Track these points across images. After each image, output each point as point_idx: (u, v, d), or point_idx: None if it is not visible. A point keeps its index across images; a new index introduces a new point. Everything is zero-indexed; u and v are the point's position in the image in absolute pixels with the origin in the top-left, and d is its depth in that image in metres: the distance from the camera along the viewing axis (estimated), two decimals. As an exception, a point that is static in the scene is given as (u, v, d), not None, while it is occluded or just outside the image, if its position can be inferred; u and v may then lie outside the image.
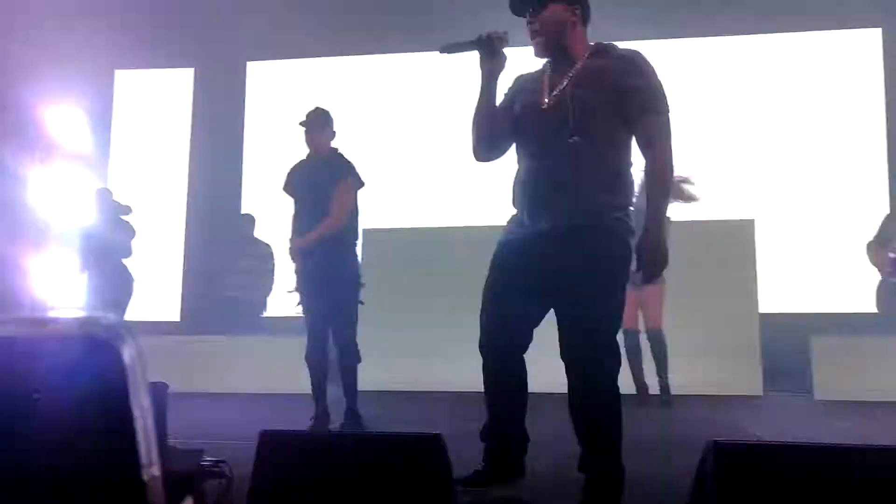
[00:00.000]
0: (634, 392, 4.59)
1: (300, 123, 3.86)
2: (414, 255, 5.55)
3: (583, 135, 2.21)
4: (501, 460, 2.41)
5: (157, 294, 6.76)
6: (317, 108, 3.92)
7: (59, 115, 6.71)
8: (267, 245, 6.22)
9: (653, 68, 2.27)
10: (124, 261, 5.39)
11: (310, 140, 3.84)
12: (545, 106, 2.28)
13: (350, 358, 3.77)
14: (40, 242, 6.33)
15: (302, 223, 3.77)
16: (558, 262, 2.23)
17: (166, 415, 2.13)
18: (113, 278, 5.29)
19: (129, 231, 5.45)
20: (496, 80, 2.37)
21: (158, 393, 2.12)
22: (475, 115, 2.40)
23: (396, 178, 6.58)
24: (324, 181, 3.74)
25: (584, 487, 2.25)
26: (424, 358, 5.25)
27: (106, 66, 7.13)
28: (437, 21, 6.03)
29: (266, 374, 5.20)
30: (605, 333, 2.23)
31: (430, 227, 6.07)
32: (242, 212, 6.76)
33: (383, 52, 6.96)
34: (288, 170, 3.94)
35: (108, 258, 5.29)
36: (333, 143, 3.90)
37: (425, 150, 6.70)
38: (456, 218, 6.08)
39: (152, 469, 1.02)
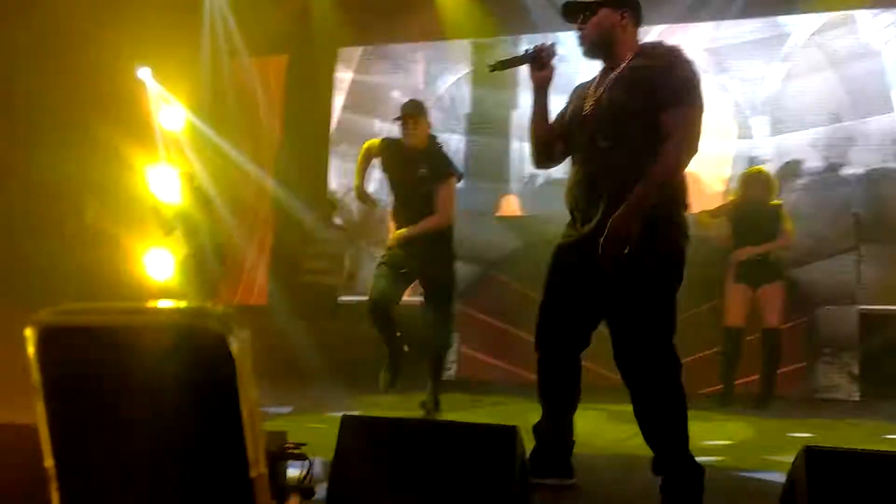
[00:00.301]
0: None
1: (395, 120, 3.94)
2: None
3: (616, 140, 2.26)
4: (551, 457, 2.47)
5: (247, 277, 7.04)
6: (412, 100, 4.00)
7: (166, 101, 7.09)
8: (344, 230, 6.39)
9: (684, 62, 2.28)
10: (219, 243, 5.64)
11: (406, 132, 3.88)
12: (585, 112, 2.36)
13: (442, 341, 3.89)
14: (148, 225, 6.70)
15: (403, 217, 3.86)
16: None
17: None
18: (217, 260, 5.53)
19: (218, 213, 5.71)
20: (546, 90, 2.48)
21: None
22: (530, 124, 2.52)
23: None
24: (425, 176, 3.83)
25: (662, 488, 2.25)
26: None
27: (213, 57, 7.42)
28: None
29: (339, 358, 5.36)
30: (654, 337, 2.22)
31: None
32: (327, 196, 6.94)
33: (471, 38, 6.92)
34: (381, 145, 3.98)
35: (207, 240, 5.54)
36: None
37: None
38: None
39: (259, 466, 0.98)
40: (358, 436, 2.09)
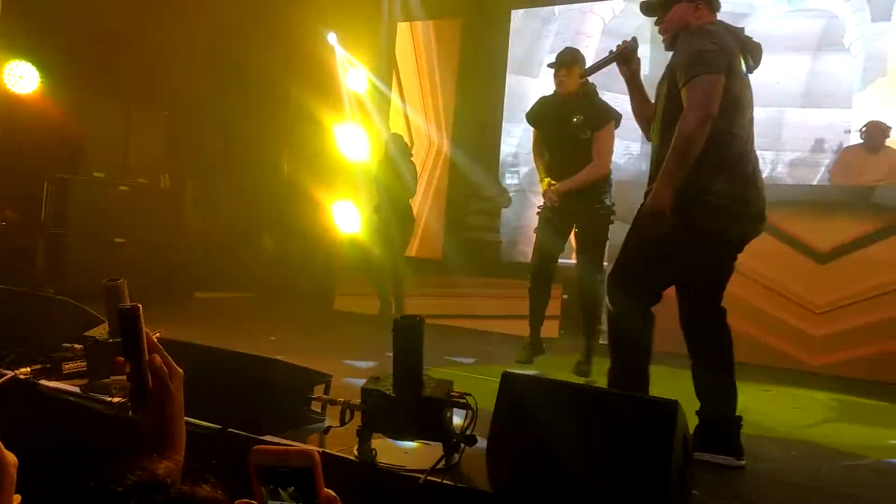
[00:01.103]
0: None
1: (549, 65, 3.93)
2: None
3: (663, 133, 2.50)
4: (718, 434, 2.48)
5: (424, 232, 7.41)
6: (566, 48, 3.97)
7: (351, 65, 7.55)
8: (504, 189, 6.47)
9: (699, 37, 2.43)
10: (405, 202, 5.97)
11: (558, 80, 3.89)
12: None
13: (595, 294, 3.87)
14: (336, 183, 7.26)
15: (559, 169, 3.89)
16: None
17: (422, 346, 2.42)
18: (400, 217, 5.90)
19: (414, 172, 6.02)
20: (636, 82, 2.77)
21: (417, 327, 2.40)
22: (632, 109, 2.81)
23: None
24: (581, 123, 3.79)
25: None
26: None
27: (390, 21, 7.76)
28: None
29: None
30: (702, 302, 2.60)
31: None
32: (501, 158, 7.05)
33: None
34: (533, 107, 4.05)
35: (397, 198, 5.90)
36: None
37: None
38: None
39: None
40: (517, 393, 2.19)
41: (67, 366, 2.98)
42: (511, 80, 7.38)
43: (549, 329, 5.74)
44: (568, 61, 3.86)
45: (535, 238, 4.12)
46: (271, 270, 7.39)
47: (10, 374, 2.84)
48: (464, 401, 2.38)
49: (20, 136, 5.57)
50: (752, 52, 2.54)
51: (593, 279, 3.89)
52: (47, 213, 5.95)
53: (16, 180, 5.94)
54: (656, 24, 2.60)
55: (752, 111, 2.51)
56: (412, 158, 6.09)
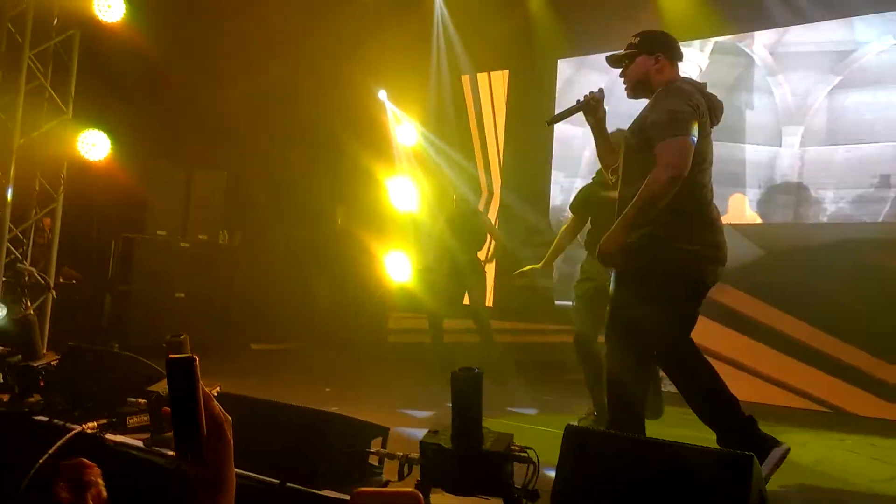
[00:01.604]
0: None
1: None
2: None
3: (626, 174, 2.65)
4: None
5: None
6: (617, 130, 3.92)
7: (400, 120, 7.74)
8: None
9: (674, 95, 2.57)
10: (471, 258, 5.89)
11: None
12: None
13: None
14: (388, 234, 7.35)
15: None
16: None
17: (481, 398, 2.38)
18: (473, 270, 5.74)
19: (486, 224, 5.95)
20: (602, 129, 2.88)
21: (475, 380, 2.37)
22: (598, 156, 2.96)
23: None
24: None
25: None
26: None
27: (438, 75, 7.95)
28: None
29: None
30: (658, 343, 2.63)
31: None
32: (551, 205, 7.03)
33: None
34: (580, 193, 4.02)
35: (467, 250, 5.74)
36: None
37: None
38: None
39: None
40: (581, 447, 2.11)
41: (132, 420, 3.04)
42: (559, 129, 7.43)
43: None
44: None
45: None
46: (325, 321, 7.47)
47: (77, 428, 2.90)
48: (525, 455, 2.32)
49: (90, 200, 5.86)
50: (715, 110, 2.71)
51: None
52: (114, 270, 6.19)
53: (86, 240, 6.22)
54: (620, 75, 2.79)
55: (712, 165, 2.69)
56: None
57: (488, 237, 6.01)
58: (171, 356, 1.06)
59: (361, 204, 7.70)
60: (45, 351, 3.90)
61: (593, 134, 2.90)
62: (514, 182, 7.42)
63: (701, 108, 2.59)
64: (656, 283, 2.53)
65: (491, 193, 7.68)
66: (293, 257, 7.55)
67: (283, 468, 2.58)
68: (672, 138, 2.48)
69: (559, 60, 7.60)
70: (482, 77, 7.93)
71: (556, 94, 7.56)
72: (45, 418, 3.18)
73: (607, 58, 2.82)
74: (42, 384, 3.41)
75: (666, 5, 6.64)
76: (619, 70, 2.82)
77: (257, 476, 2.59)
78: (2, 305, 4.65)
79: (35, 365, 3.43)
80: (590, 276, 3.85)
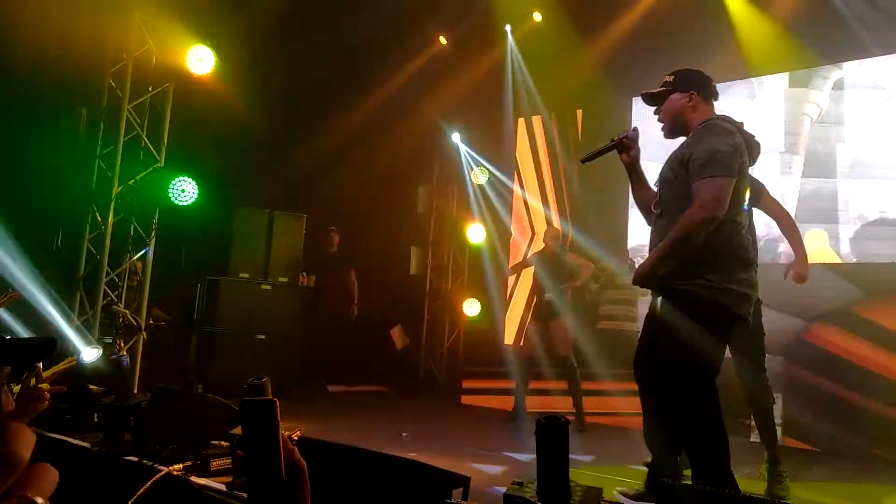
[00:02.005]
0: None
1: None
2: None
3: (663, 207, 2.67)
4: None
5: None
6: None
7: (475, 162, 7.78)
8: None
9: (716, 135, 2.57)
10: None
11: None
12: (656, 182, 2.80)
13: (765, 395, 3.54)
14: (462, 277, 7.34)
15: None
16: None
17: (569, 449, 2.28)
18: (552, 311, 5.75)
19: (572, 264, 5.92)
20: (635, 168, 2.85)
21: (561, 430, 2.28)
22: (633, 194, 2.92)
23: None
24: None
25: None
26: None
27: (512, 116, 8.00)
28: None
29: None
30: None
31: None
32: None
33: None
34: None
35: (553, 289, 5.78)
36: None
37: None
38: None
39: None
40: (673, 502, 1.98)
41: (215, 463, 3.08)
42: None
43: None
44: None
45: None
46: (400, 364, 7.48)
47: (164, 470, 2.96)
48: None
49: (179, 243, 6.13)
50: (752, 150, 2.71)
51: (758, 380, 3.58)
52: (199, 312, 6.41)
53: (174, 283, 6.49)
54: (655, 113, 2.81)
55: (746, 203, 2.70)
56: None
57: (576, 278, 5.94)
58: (246, 399, 1.05)
59: (435, 246, 7.74)
60: (136, 391, 4.03)
61: (627, 171, 2.90)
62: (589, 223, 7.30)
63: (740, 148, 2.59)
64: (701, 317, 2.54)
65: (565, 236, 7.59)
66: (369, 299, 7.63)
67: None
68: (710, 178, 2.50)
69: (634, 98, 7.53)
70: (557, 115, 7.92)
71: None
72: (134, 458, 3.26)
73: (642, 95, 2.84)
74: (132, 424, 3.51)
75: (744, 38, 6.49)
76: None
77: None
78: (98, 346, 4.87)
79: (126, 405, 3.55)
80: None
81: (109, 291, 5.63)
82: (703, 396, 2.53)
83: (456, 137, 7.92)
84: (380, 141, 7.52)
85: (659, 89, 2.80)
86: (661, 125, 2.82)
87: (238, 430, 3.15)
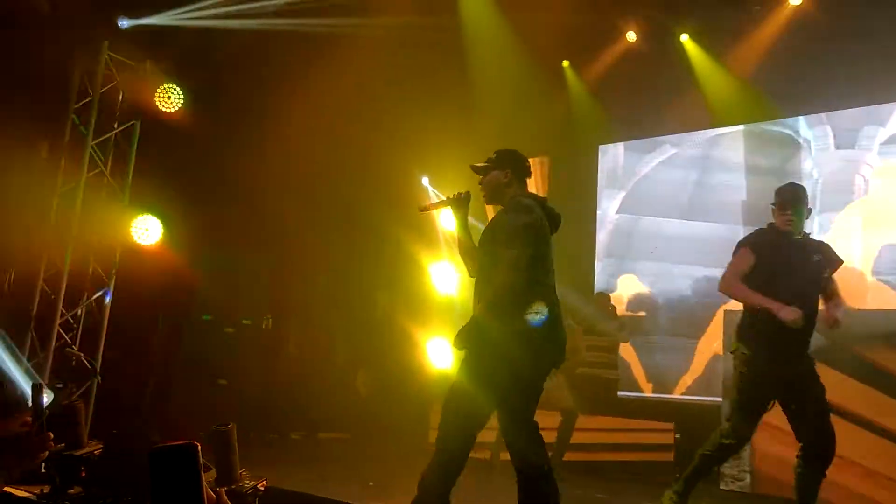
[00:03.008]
0: None
1: (777, 204, 3.64)
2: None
3: (482, 266, 3.12)
4: None
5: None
6: (791, 185, 3.75)
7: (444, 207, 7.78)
8: (623, 324, 6.22)
9: (520, 213, 3.03)
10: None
11: (786, 219, 3.60)
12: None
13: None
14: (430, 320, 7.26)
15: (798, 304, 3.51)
16: None
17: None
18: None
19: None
20: (465, 226, 3.28)
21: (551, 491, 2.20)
22: (458, 247, 3.35)
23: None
24: (819, 262, 3.64)
25: None
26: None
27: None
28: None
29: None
30: None
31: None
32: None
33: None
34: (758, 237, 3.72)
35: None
36: None
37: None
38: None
39: None
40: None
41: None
42: (607, 215, 7.40)
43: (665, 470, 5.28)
44: (799, 200, 3.63)
45: (738, 394, 3.62)
46: (366, 409, 7.29)
47: (117, 526, 2.76)
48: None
49: (139, 285, 5.92)
50: (553, 220, 3.22)
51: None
52: (158, 354, 6.17)
53: (133, 324, 6.24)
54: (479, 183, 3.29)
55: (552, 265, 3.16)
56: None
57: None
58: (155, 445, 0.99)
59: (403, 289, 7.66)
60: (86, 440, 3.80)
61: (457, 227, 3.32)
62: (559, 269, 7.33)
63: (540, 220, 3.08)
64: (517, 365, 2.92)
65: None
66: (335, 342, 7.46)
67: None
68: (515, 250, 2.93)
69: (600, 146, 7.68)
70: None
71: (599, 179, 7.58)
72: (84, 512, 3.05)
73: (471, 167, 3.33)
74: (83, 475, 3.30)
75: (709, 90, 6.71)
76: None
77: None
78: (49, 391, 4.61)
79: (77, 454, 3.33)
80: None
81: (63, 333, 5.39)
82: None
83: (426, 181, 7.93)
84: (349, 182, 7.47)
85: (483, 164, 3.29)
86: (483, 192, 3.31)
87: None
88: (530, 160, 3.33)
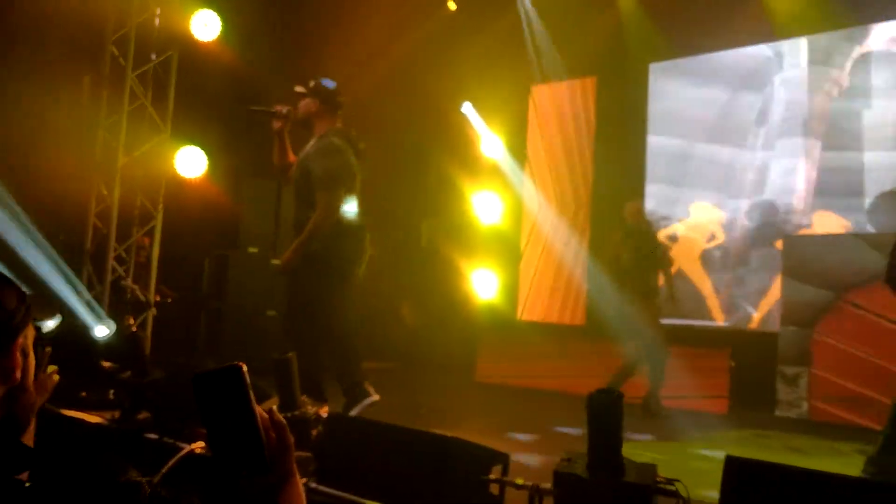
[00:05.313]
0: None
1: None
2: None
3: (298, 195, 3.69)
4: None
5: (568, 297, 7.15)
6: None
7: (487, 133, 7.59)
8: (665, 249, 6.03)
9: (331, 156, 3.55)
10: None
11: None
12: (292, 172, 3.73)
13: None
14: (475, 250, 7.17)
15: None
16: None
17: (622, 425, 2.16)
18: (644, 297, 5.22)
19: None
20: (284, 138, 3.71)
21: (616, 404, 2.16)
22: (273, 157, 3.80)
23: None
24: None
25: None
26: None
27: (524, 84, 7.77)
28: None
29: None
30: None
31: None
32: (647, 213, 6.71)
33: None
34: None
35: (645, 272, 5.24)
36: None
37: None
38: None
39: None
40: (748, 482, 1.86)
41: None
42: (653, 140, 7.13)
43: (717, 404, 5.23)
44: None
45: None
46: (411, 339, 7.35)
47: (188, 447, 2.83)
48: (673, 488, 2.08)
49: (186, 217, 5.95)
50: (358, 150, 3.68)
51: None
52: (208, 288, 6.25)
53: (181, 258, 6.32)
54: (293, 107, 3.65)
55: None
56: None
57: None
58: (199, 371, 0.96)
59: (447, 219, 7.58)
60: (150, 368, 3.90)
61: (276, 138, 3.70)
62: (606, 195, 7.14)
63: (349, 160, 3.58)
64: (328, 277, 3.59)
65: (576, 208, 7.43)
66: (380, 273, 7.47)
67: (400, 495, 2.42)
68: (329, 192, 3.48)
69: (651, 64, 7.31)
70: (570, 85, 7.71)
71: (648, 101, 7.26)
72: (155, 436, 3.13)
73: (294, 89, 3.67)
74: (150, 401, 3.39)
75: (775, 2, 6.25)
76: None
77: (370, 502, 2.44)
78: (110, 322, 4.73)
79: (144, 382, 3.42)
80: None
81: (118, 267, 5.48)
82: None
83: (468, 108, 7.70)
84: (391, 110, 7.31)
85: (300, 90, 3.65)
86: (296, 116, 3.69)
87: (265, 406, 3.01)
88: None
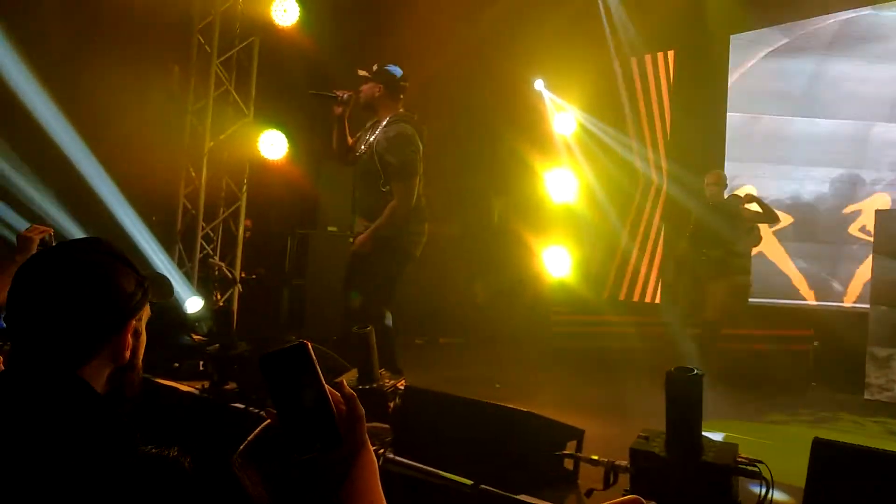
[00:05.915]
0: None
1: None
2: None
3: (365, 180, 3.76)
4: None
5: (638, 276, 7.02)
6: None
7: (560, 109, 7.48)
8: (751, 228, 5.81)
9: (404, 145, 3.64)
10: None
11: None
12: (359, 152, 3.81)
13: None
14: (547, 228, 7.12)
15: None
16: None
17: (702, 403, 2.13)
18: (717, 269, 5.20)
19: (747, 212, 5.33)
20: (343, 122, 3.79)
21: (695, 382, 2.13)
22: (334, 137, 3.88)
23: None
24: None
25: None
26: None
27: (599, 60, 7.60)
28: None
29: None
30: None
31: None
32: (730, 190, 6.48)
33: None
34: None
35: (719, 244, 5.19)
36: None
37: None
38: None
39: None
40: (838, 466, 1.81)
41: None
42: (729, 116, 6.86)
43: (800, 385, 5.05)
44: None
45: None
46: (484, 316, 7.40)
47: (268, 420, 2.98)
48: (755, 469, 2.04)
49: (269, 197, 6.19)
50: (422, 135, 3.73)
51: None
52: (290, 265, 6.49)
53: (265, 236, 6.58)
54: (357, 90, 3.76)
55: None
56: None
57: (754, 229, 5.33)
58: (265, 353, 0.98)
59: (519, 196, 7.55)
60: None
61: (336, 122, 3.76)
62: (683, 171, 6.93)
63: (419, 146, 3.65)
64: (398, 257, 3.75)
65: (658, 183, 7.24)
66: (452, 250, 7.54)
67: (475, 468, 2.47)
68: (404, 182, 3.59)
69: (732, 36, 7.01)
70: (648, 59, 7.49)
71: (729, 74, 6.97)
72: (241, 406, 3.32)
73: (358, 72, 3.74)
74: (237, 373, 3.58)
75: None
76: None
77: (449, 476, 2.51)
78: (200, 297, 5.00)
79: (231, 354, 3.61)
80: None
81: (205, 245, 5.76)
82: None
83: (540, 85, 7.61)
84: (462, 88, 7.32)
85: (364, 74, 3.72)
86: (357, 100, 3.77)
87: (342, 379, 3.14)
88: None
